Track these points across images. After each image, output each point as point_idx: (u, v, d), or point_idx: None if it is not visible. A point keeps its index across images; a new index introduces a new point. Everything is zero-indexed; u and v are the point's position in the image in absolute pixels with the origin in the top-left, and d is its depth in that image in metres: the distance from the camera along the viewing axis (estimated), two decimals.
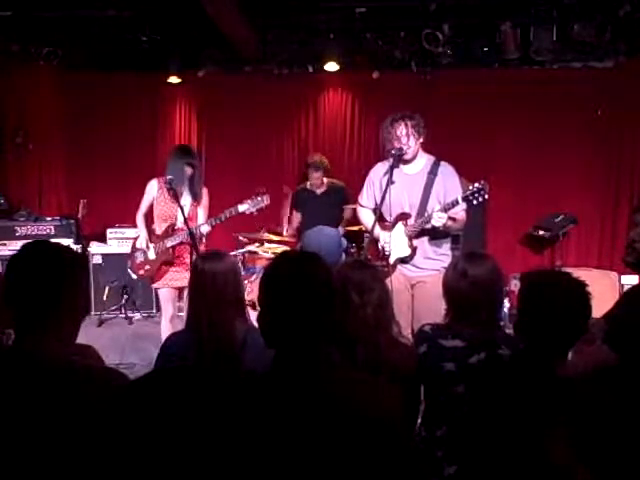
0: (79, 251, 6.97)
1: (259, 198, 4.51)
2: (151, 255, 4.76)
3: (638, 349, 1.94)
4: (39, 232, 6.97)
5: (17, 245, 6.87)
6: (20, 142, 7.49)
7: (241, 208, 4.51)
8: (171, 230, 4.70)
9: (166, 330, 4.72)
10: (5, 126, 7.56)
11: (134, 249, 4.86)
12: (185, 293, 4.70)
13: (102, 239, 7.23)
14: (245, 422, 1.41)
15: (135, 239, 4.92)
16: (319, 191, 6.64)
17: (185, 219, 4.40)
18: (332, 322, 1.61)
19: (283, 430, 1.47)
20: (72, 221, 7.08)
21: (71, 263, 1.73)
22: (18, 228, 6.95)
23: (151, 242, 4.76)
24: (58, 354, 1.66)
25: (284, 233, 6.76)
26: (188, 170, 4.66)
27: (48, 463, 1.63)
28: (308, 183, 6.69)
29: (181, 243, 4.66)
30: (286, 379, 1.54)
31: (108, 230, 7.23)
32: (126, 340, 6.00)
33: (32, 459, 1.60)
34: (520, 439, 1.60)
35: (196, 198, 4.74)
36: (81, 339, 2.11)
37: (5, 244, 6.89)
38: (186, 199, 4.72)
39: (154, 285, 4.85)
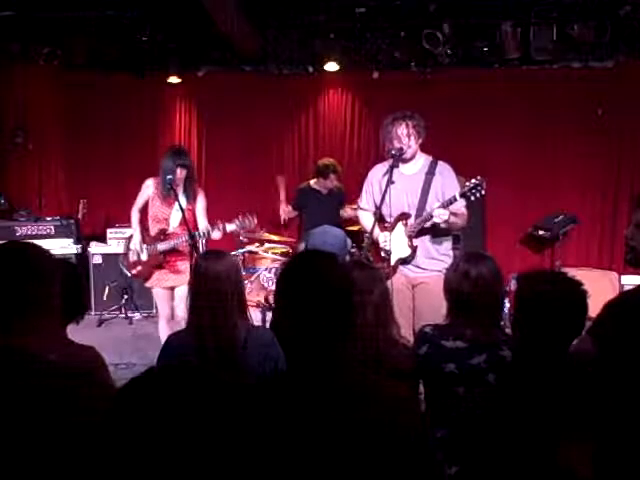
0: (79, 251, 6.99)
1: (246, 221, 4.54)
2: (143, 256, 4.73)
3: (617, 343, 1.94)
4: (39, 232, 6.96)
5: None
6: (20, 142, 7.49)
7: (228, 228, 4.55)
8: (162, 235, 4.66)
9: (163, 330, 4.70)
10: (5, 126, 7.56)
11: (128, 248, 4.83)
12: (176, 293, 4.70)
13: (102, 239, 7.23)
14: (260, 424, 1.40)
15: (129, 238, 4.87)
16: (325, 191, 6.63)
17: (186, 222, 4.34)
18: (352, 322, 1.59)
19: (301, 432, 1.46)
20: (72, 221, 7.07)
21: (35, 262, 1.79)
22: (18, 228, 6.94)
23: (144, 243, 4.72)
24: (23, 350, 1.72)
25: (282, 215, 6.81)
26: (181, 172, 4.57)
27: (21, 461, 1.65)
28: (312, 182, 6.67)
29: (173, 250, 4.61)
30: (306, 380, 1.53)
31: (108, 230, 7.22)
32: (126, 340, 6.00)
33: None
34: (528, 441, 1.59)
35: (189, 199, 4.65)
36: (81, 339, 2.11)
37: None
38: (182, 201, 4.59)
39: (147, 284, 4.85)
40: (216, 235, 4.55)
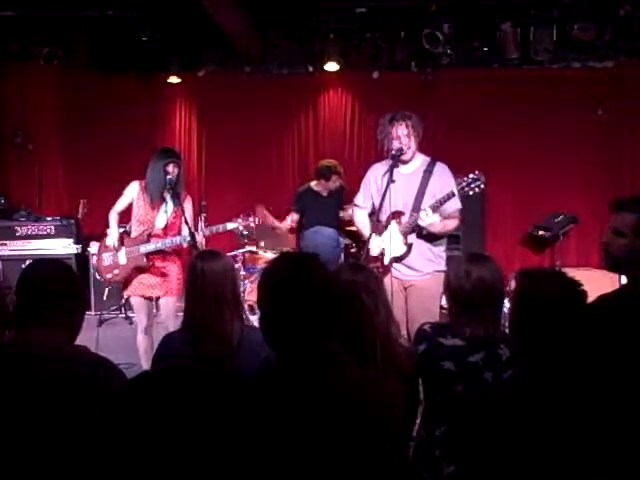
0: (79, 251, 6.99)
1: (250, 219, 4.37)
2: (121, 259, 4.45)
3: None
4: (39, 232, 6.96)
5: (17, 245, 6.88)
6: (20, 142, 7.50)
7: (229, 226, 4.36)
8: (147, 236, 4.41)
9: (143, 343, 4.49)
10: (5, 126, 7.57)
11: (102, 249, 4.58)
12: (161, 304, 4.50)
13: (102, 239, 7.22)
14: (246, 421, 1.42)
15: (103, 238, 4.65)
16: (325, 192, 6.61)
17: (186, 221, 4.24)
18: (335, 321, 1.61)
19: (285, 428, 1.48)
20: (72, 221, 7.08)
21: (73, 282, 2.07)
22: (18, 228, 6.94)
23: (123, 245, 4.47)
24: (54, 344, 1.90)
25: (284, 229, 6.70)
26: (173, 169, 4.35)
27: (41, 453, 1.69)
28: (313, 183, 6.64)
29: (157, 251, 4.39)
30: (287, 379, 1.56)
31: (108, 230, 7.21)
32: (126, 340, 5.99)
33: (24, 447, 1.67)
34: (525, 440, 1.60)
35: (175, 203, 4.38)
36: (81, 339, 2.12)
37: (5, 244, 6.89)
38: (169, 206, 4.43)
39: (125, 293, 4.58)
40: (199, 238, 4.29)
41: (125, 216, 4.63)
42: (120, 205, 4.56)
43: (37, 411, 1.75)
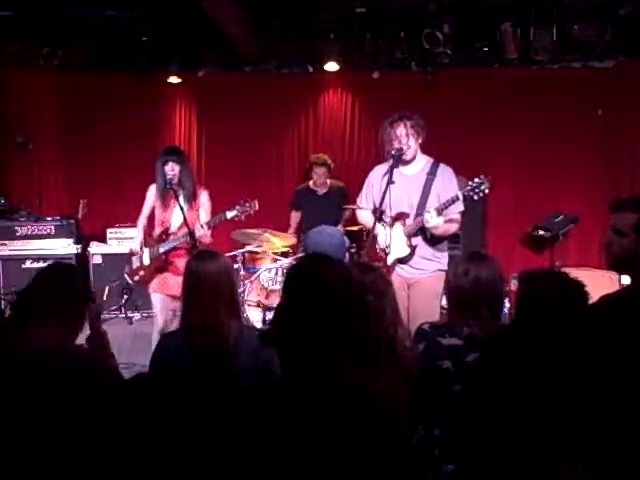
0: (79, 251, 6.99)
1: (247, 204, 4.42)
2: (145, 260, 4.63)
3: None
4: (39, 232, 6.96)
5: (17, 245, 6.88)
6: (20, 142, 7.49)
7: (229, 214, 4.42)
8: (165, 235, 4.56)
9: (156, 341, 4.52)
10: (5, 126, 7.56)
11: (131, 253, 4.74)
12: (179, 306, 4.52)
13: (102, 239, 7.23)
14: (245, 427, 1.42)
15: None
16: (321, 191, 6.63)
17: (185, 218, 4.31)
18: (348, 324, 1.61)
19: (288, 433, 1.48)
20: (72, 221, 7.07)
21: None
22: (18, 228, 6.94)
23: (146, 246, 4.64)
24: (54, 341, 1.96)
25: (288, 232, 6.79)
26: (172, 167, 4.44)
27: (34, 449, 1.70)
28: (311, 182, 6.68)
29: (175, 248, 4.50)
30: (301, 381, 1.56)
31: (108, 230, 7.22)
32: (126, 340, 6.00)
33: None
34: (523, 439, 1.60)
35: (189, 197, 4.53)
36: (82, 339, 2.13)
37: (5, 244, 6.89)
38: (182, 203, 4.48)
39: (150, 289, 4.68)
40: (201, 232, 4.36)
41: (152, 221, 4.76)
42: (144, 211, 4.75)
43: (35, 409, 1.75)
